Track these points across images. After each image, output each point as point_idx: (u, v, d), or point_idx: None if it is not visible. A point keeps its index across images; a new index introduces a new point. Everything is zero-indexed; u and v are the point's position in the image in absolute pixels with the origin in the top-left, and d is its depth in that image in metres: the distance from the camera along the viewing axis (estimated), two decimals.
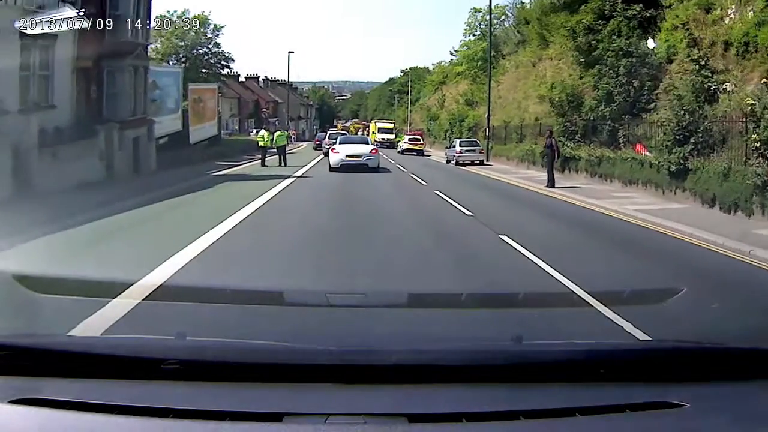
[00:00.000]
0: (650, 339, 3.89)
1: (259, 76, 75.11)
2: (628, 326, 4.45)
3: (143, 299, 4.70)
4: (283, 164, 25.62)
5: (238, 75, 65.90)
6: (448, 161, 31.45)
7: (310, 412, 1.52)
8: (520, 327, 4.06)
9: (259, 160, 26.55)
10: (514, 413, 1.53)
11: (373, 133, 53.28)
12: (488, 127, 33.20)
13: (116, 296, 4.61)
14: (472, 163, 28.73)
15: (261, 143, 26.81)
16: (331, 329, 3.66)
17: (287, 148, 28.49)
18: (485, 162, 29.64)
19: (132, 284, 4.97)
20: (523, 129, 29.06)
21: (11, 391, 1.55)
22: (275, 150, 26.51)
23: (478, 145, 30.57)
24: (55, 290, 4.11)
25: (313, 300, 4.33)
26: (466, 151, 29.57)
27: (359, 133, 54.95)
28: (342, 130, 65.13)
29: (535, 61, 32.82)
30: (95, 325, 4.20)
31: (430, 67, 76.80)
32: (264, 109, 63.15)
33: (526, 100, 31.29)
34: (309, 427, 1.47)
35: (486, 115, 33.70)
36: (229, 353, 1.79)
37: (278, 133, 27.16)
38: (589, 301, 5.10)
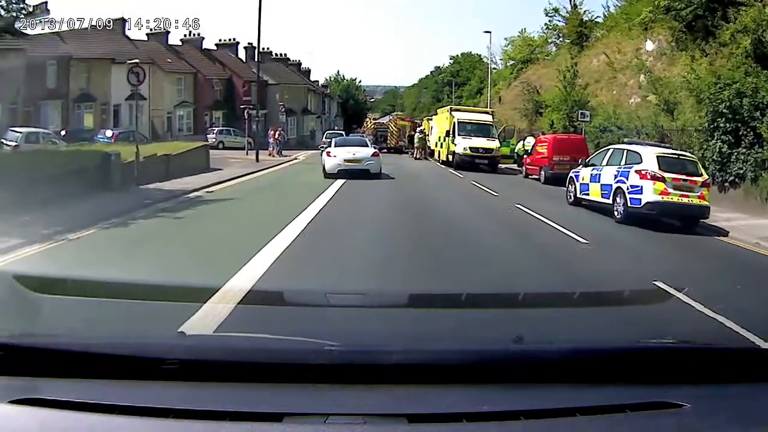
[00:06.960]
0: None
1: (238, 42, 47.64)
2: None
3: None
4: None
5: (202, 39, 41.25)
6: None
7: (310, 412, 1.52)
8: (520, 327, 4.06)
9: None
10: (514, 413, 1.52)
11: (448, 134, 26.84)
12: None
13: None
14: None
15: None
16: (331, 329, 3.65)
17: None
18: None
19: None
20: None
21: (11, 391, 1.54)
22: None
23: None
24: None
25: (312, 300, 4.32)
26: None
27: (411, 133, 37.49)
28: (376, 128, 43.54)
29: None
30: None
31: (489, 52, 50.02)
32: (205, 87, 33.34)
33: None
34: (309, 427, 1.47)
35: None
36: (229, 353, 1.79)
37: None
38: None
